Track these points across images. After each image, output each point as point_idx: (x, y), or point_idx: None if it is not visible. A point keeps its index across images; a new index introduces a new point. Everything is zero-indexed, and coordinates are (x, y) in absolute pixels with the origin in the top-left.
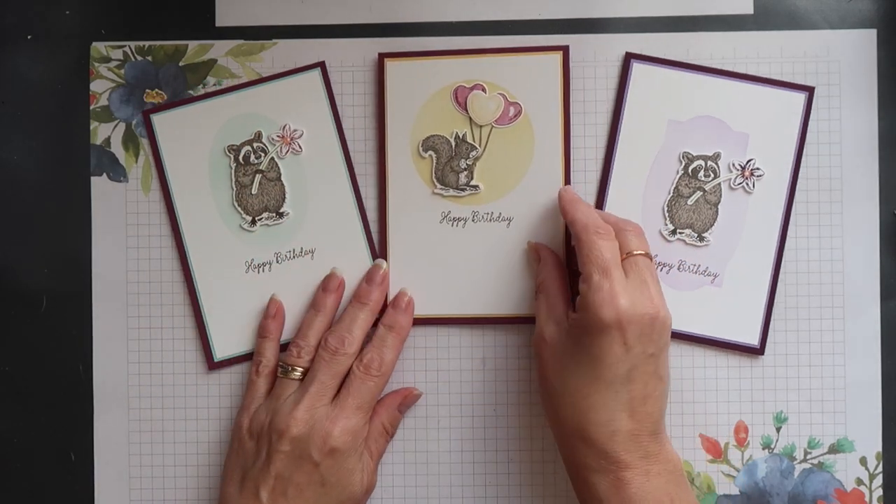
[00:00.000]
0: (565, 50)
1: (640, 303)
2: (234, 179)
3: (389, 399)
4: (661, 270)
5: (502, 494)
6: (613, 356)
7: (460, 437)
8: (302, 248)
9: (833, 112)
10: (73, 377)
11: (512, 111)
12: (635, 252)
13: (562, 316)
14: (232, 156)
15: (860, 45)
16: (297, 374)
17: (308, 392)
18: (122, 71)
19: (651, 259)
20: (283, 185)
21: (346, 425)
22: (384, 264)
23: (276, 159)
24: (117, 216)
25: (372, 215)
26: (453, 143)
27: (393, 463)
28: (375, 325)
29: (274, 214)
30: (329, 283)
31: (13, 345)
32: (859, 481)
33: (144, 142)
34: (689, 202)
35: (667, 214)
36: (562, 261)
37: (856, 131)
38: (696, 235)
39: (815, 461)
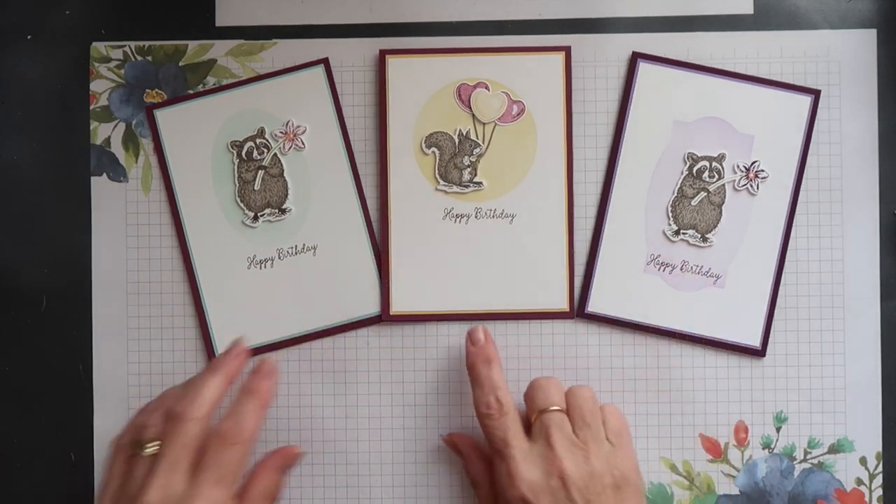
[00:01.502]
0: (567, 50)
1: (541, 471)
2: (236, 175)
3: (268, 461)
4: (663, 271)
5: None
6: None
7: None
8: (304, 245)
9: (833, 112)
10: (73, 377)
11: (515, 109)
12: (542, 409)
13: None
14: (235, 152)
15: (860, 45)
16: (151, 449)
17: (158, 470)
18: (122, 71)
19: (562, 411)
20: (285, 181)
21: (208, 502)
22: (243, 341)
23: (278, 155)
24: (117, 216)
25: (374, 212)
26: (457, 140)
27: (393, 463)
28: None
29: (276, 210)
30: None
31: (13, 345)
32: (859, 481)
33: (145, 141)
34: (693, 203)
35: (670, 214)
36: (483, 447)
37: (856, 131)
38: (699, 236)
39: (815, 461)
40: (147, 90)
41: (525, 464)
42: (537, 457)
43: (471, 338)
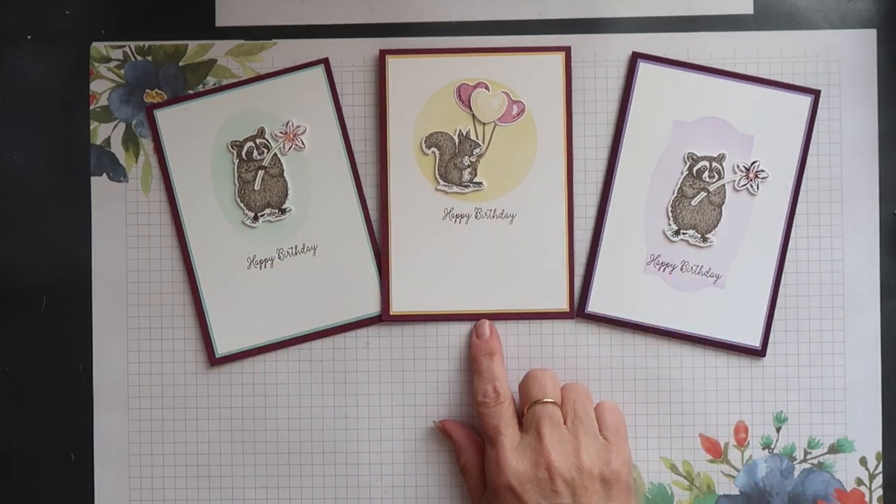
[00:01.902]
0: (567, 50)
1: (529, 461)
2: (236, 175)
3: None
4: (663, 271)
5: None
6: None
7: None
8: (304, 245)
9: (833, 112)
10: (73, 377)
11: (515, 109)
12: (535, 400)
13: (481, 495)
14: (235, 152)
15: (860, 45)
16: None
17: None
18: (122, 71)
19: (555, 404)
20: (285, 181)
21: None
22: None
23: (278, 155)
24: (117, 216)
25: (374, 212)
26: (457, 141)
27: (393, 463)
28: None
29: (276, 210)
30: None
31: (13, 345)
32: (859, 481)
33: (145, 141)
34: (693, 203)
35: (670, 215)
36: (476, 436)
37: (856, 131)
38: (699, 236)
39: (815, 461)
40: (147, 90)
41: (514, 453)
42: (526, 447)
43: (476, 331)
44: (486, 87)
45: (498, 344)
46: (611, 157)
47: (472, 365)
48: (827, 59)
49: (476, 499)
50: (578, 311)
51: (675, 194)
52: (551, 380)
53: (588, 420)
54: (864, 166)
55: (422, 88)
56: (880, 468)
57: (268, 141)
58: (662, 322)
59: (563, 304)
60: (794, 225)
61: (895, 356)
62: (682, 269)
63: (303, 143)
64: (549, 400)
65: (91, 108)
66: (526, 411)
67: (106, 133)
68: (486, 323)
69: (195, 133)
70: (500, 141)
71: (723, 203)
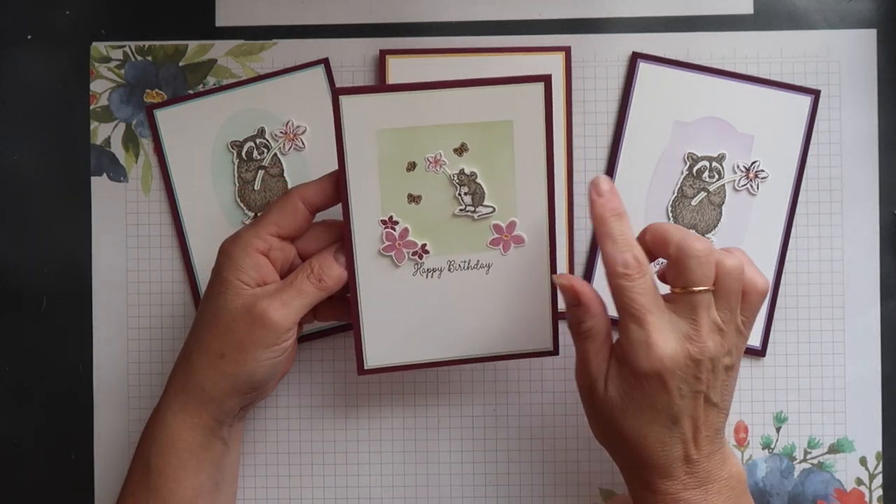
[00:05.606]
0: (567, 50)
1: (681, 348)
2: (236, 175)
3: None
4: None
5: (502, 494)
6: (660, 402)
7: (460, 437)
8: None
9: (833, 112)
10: (73, 377)
11: None
12: (693, 289)
13: (604, 364)
14: (235, 152)
15: (860, 45)
16: None
17: None
18: (122, 71)
19: (711, 291)
20: (285, 181)
21: None
22: None
23: (278, 155)
24: (117, 216)
25: None
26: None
27: (393, 463)
28: None
29: None
30: None
31: (13, 345)
32: (859, 481)
33: (145, 141)
34: (693, 203)
35: (671, 215)
36: (604, 304)
37: (856, 131)
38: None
39: (815, 461)
40: (147, 90)
41: (665, 335)
42: (679, 332)
43: (595, 188)
44: None
45: (621, 204)
46: (611, 157)
47: (600, 228)
48: (827, 59)
49: (592, 370)
50: None
51: (675, 194)
52: (711, 257)
53: (736, 311)
54: (864, 166)
55: None
56: (880, 468)
57: (268, 141)
58: None
59: (560, 305)
60: (794, 225)
61: (895, 356)
62: None
63: (303, 143)
64: (706, 288)
65: (91, 108)
66: (679, 293)
67: (106, 133)
68: (604, 178)
69: (195, 133)
70: None
71: (723, 203)
